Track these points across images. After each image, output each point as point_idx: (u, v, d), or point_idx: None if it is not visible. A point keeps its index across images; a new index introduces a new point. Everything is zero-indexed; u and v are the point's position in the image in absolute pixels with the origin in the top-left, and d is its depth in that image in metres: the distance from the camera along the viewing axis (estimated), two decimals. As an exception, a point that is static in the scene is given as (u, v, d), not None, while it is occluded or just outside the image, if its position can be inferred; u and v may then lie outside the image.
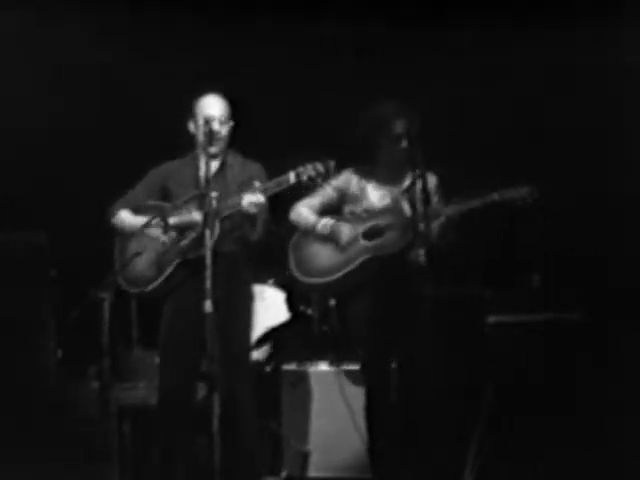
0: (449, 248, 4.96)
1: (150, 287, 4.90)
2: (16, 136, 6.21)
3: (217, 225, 4.68)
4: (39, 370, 5.75)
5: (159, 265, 4.88)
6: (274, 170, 4.97)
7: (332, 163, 4.70)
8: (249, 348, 5.02)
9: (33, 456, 5.38)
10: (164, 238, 4.88)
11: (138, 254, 4.92)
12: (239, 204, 4.68)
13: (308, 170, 4.64)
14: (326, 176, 4.78)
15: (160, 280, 4.88)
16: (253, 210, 4.69)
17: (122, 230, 5.03)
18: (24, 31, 6.25)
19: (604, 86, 6.15)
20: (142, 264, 4.93)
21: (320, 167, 4.65)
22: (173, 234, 4.87)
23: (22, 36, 6.25)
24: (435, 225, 4.90)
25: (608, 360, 5.54)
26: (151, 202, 4.98)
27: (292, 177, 4.66)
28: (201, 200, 4.59)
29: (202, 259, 4.43)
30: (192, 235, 4.78)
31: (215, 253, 4.51)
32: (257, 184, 4.71)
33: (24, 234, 5.95)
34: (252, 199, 4.66)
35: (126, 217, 5.01)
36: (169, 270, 4.86)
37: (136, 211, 4.99)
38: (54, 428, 5.58)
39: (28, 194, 6.23)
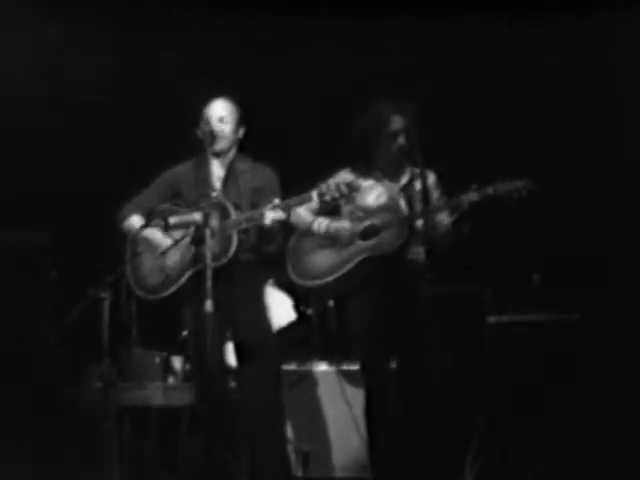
0: (446, 246, 4.95)
1: (163, 294, 4.88)
2: (17, 136, 6.21)
3: (235, 236, 4.71)
4: (39, 370, 5.76)
5: (172, 273, 4.87)
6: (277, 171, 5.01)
7: (357, 185, 4.67)
8: (273, 352, 4.97)
9: (33, 456, 5.39)
10: (168, 240, 4.88)
11: (139, 254, 4.93)
12: (259, 219, 4.67)
13: (332, 191, 4.56)
14: (349, 198, 4.79)
15: (174, 288, 4.86)
16: (274, 226, 4.69)
17: (131, 233, 5.00)
18: (27, 32, 6.26)
19: (605, 85, 6.15)
20: (150, 270, 4.93)
21: (344, 189, 4.57)
22: (175, 235, 4.88)
23: (25, 37, 6.26)
24: (444, 223, 4.90)
25: (608, 360, 5.54)
26: (163, 206, 4.97)
27: (315, 196, 4.60)
28: (214, 205, 4.63)
29: (218, 269, 4.51)
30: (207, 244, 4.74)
31: (232, 261, 4.66)
32: (277, 201, 4.66)
33: (25, 234, 5.96)
34: (273, 216, 4.65)
35: (137, 221, 4.99)
36: (185, 278, 4.84)
37: (147, 215, 4.96)
38: (54, 428, 5.58)
39: (29, 194, 6.23)
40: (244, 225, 4.73)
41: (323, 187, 4.59)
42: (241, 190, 4.88)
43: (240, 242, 4.75)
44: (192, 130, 4.94)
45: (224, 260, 4.71)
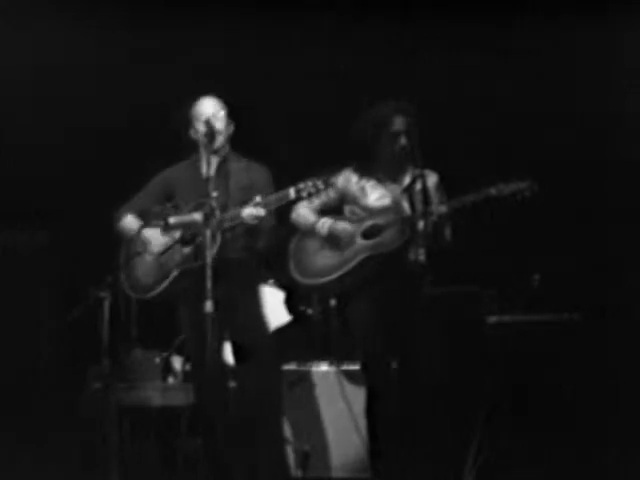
0: (444, 247, 4.95)
1: (151, 294, 4.91)
2: (17, 136, 6.21)
3: (219, 236, 4.74)
4: (39, 370, 5.76)
5: (160, 272, 4.89)
6: (275, 171, 5.01)
7: (332, 180, 4.77)
8: (270, 351, 4.98)
9: (33, 456, 5.39)
10: (163, 240, 4.89)
11: (138, 254, 4.94)
12: (239, 217, 4.74)
13: (308, 187, 4.69)
14: (325, 192, 4.91)
15: (161, 288, 4.88)
16: (254, 222, 4.75)
17: (125, 234, 5.04)
18: (29, 32, 6.26)
19: (605, 84, 6.15)
20: (143, 269, 4.94)
21: (320, 185, 4.69)
22: (174, 236, 4.88)
23: (27, 37, 6.27)
24: (443, 225, 4.91)
25: (608, 360, 5.55)
26: (157, 207, 4.99)
27: (292, 193, 4.71)
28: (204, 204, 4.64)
29: (213, 268, 4.49)
30: (192, 245, 4.78)
31: (222, 260, 4.64)
32: (258, 198, 4.75)
33: (25, 234, 5.97)
34: (252, 212, 4.73)
35: (130, 221, 5.02)
36: (170, 278, 4.86)
37: (141, 216, 5.01)
38: (54, 428, 5.58)
39: (30, 194, 6.23)
40: (227, 224, 4.77)
41: (301, 184, 4.70)
42: (229, 189, 4.90)
43: (227, 241, 4.78)
44: (184, 131, 4.95)
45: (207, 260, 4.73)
